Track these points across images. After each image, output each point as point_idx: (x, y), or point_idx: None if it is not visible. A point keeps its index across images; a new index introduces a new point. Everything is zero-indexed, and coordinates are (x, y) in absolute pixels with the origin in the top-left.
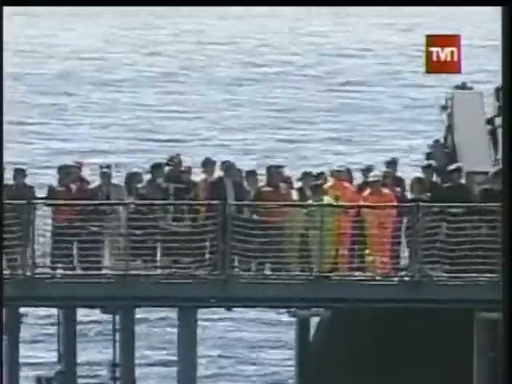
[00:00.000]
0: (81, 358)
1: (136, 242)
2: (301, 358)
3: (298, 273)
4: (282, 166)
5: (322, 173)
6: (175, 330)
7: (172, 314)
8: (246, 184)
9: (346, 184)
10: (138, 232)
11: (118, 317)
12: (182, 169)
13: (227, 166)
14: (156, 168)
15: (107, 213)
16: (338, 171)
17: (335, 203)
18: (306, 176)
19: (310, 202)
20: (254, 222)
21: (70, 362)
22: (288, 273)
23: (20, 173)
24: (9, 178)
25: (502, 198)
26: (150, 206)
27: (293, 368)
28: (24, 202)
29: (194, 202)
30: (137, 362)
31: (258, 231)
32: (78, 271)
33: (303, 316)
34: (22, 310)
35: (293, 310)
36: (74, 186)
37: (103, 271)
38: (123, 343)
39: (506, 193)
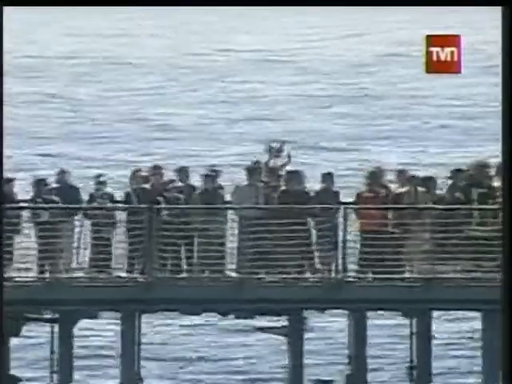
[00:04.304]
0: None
1: (439, 246)
2: None
3: None
4: None
5: None
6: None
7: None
8: None
9: None
10: (441, 236)
11: (414, 320)
12: (486, 174)
13: None
14: (457, 172)
15: (413, 217)
16: None
17: None
18: None
19: None
20: None
21: (360, 366)
22: None
23: (297, 175)
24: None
25: (502, 197)
26: (453, 210)
27: None
28: (331, 206)
29: (494, 207)
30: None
31: None
32: (381, 275)
33: None
34: (306, 313)
35: None
36: (381, 192)
37: (406, 275)
38: (419, 346)
39: (506, 192)
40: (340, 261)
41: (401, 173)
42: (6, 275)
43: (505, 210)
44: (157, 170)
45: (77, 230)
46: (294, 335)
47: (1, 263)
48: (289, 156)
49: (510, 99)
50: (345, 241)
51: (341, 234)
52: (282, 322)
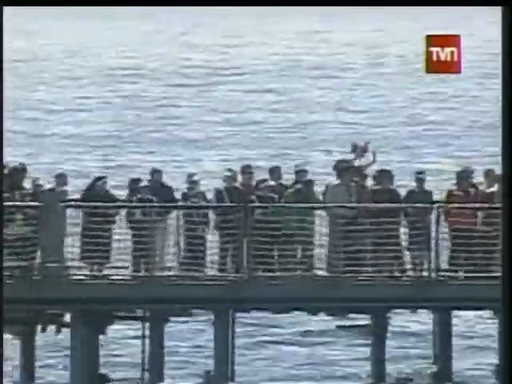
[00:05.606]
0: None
1: None
2: None
3: None
4: None
5: None
6: None
7: None
8: None
9: None
10: None
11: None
12: None
13: None
14: None
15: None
16: None
17: None
18: None
19: None
20: None
21: (445, 363)
22: None
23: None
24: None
25: (502, 197)
26: None
27: None
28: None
29: None
30: None
31: None
32: (472, 274)
33: None
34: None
35: None
36: (471, 191)
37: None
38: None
39: (506, 193)
40: (433, 259)
41: (489, 172)
42: (102, 273)
43: (504, 210)
44: (247, 169)
45: (170, 228)
46: (379, 334)
47: (1, 261)
48: (374, 155)
49: (510, 99)
50: (437, 239)
51: (433, 232)
52: (367, 320)
